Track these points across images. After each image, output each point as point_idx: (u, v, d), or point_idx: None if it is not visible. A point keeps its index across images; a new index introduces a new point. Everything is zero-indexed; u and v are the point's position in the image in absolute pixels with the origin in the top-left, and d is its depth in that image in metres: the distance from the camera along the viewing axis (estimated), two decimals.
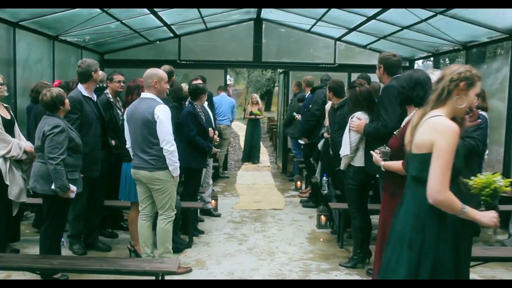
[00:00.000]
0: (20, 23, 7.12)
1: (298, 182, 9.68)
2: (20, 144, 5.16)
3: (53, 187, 4.54)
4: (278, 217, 7.62)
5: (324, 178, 6.80)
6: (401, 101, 3.89)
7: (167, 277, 4.43)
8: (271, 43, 11.28)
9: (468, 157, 3.62)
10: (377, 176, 4.31)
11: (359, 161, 5.17)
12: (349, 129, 5.18)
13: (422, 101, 3.79)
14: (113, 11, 7.68)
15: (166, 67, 6.34)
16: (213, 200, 7.69)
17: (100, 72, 5.86)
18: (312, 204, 8.18)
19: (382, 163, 3.88)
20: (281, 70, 12.73)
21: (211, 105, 7.95)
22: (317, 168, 7.53)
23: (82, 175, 5.31)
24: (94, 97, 5.61)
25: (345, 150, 5.22)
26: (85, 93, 5.46)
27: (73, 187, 4.64)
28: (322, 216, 6.97)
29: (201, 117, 6.46)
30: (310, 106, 7.76)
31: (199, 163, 6.54)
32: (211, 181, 7.60)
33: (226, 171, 11.53)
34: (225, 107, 10.72)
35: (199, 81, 7.15)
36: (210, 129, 6.67)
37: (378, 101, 4.90)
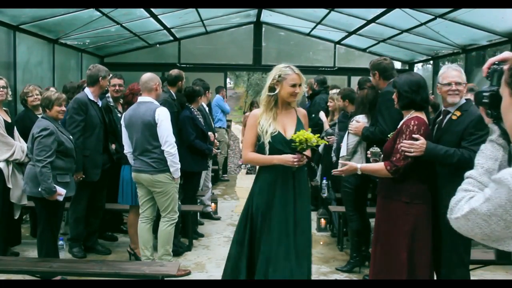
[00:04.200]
0: (20, 26, 7.14)
1: None
2: (22, 147, 5.17)
3: (40, 189, 4.55)
4: None
5: (324, 181, 6.77)
6: (404, 105, 3.85)
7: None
8: (271, 46, 11.28)
9: (460, 167, 3.59)
10: (377, 180, 4.30)
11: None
12: (348, 131, 5.16)
13: (425, 104, 3.82)
14: (113, 14, 7.69)
15: (175, 71, 6.32)
16: (213, 203, 7.66)
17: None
18: (312, 207, 8.11)
19: (359, 166, 3.85)
20: None
21: (209, 108, 7.91)
22: (317, 171, 7.47)
23: (83, 177, 5.34)
24: (99, 103, 5.62)
25: (342, 152, 5.22)
26: (91, 96, 5.49)
27: (60, 190, 4.61)
28: (322, 219, 6.94)
29: (199, 120, 6.41)
30: (313, 115, 7.32)
31: (200, 166, 6.52)
32: (210, 184, 7.58)
33: (226, 175, 11.51)
34: (217, 109, 10.50)
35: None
36: (210, 133, 6.65)
37: (376, 106, 4.91)
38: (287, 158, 3.61)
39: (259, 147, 3.77)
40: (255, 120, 3.80)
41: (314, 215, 7.14)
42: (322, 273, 5.37)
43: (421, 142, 3.59)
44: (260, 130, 3.73)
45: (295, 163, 3.60)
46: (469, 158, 3.52)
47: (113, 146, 5.85)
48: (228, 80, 17.49)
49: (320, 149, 7.07)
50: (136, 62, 10.78)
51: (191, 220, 6.18)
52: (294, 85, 3.72)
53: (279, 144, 3.69)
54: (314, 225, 7.03)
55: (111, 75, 5.83)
